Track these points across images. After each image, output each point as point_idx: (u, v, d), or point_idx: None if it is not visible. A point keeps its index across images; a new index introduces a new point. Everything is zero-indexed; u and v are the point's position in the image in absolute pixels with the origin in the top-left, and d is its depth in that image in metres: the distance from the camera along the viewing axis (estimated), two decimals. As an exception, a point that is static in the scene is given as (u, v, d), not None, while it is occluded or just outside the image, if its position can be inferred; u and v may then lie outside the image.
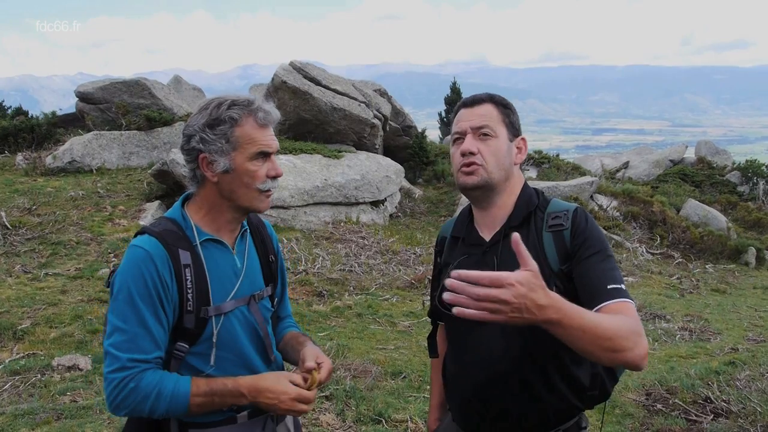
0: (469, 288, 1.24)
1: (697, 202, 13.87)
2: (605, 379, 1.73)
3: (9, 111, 17.09)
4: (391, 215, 11.72)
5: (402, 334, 6.24)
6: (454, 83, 26.58)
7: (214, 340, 1.62)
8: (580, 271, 1.62)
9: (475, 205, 1.85)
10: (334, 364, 4.89)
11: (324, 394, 4.41)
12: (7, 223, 8.27)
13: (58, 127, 13.77)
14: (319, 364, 1.66)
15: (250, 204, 1.66)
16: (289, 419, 1.81)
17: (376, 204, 11.35)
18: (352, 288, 7.54)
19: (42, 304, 6.16)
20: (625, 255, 10.64)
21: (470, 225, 1.86)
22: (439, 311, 1.87)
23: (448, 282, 1.26)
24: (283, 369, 1.83)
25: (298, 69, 12.72)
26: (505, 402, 1.71)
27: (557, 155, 19.28)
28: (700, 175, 18.71)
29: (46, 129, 13.29)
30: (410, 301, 7.38)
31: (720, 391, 4.55)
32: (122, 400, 1.49)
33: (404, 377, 4.92)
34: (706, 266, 10.99)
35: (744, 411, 4.15)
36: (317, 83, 12.63)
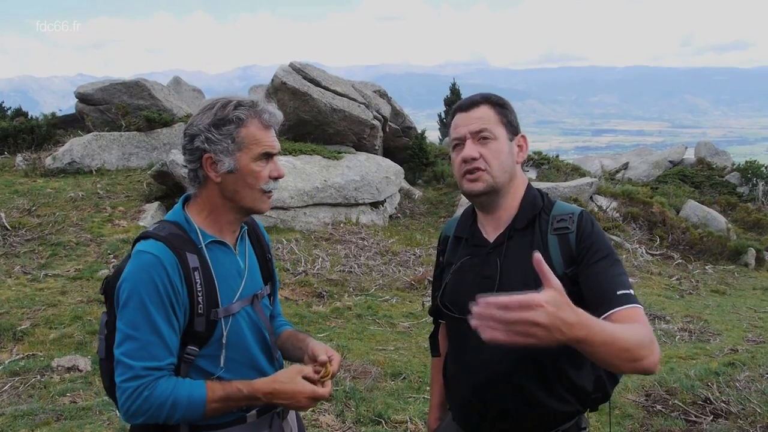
0: (499, 314, 1.21)
1: (696, 203, 13.87)
2: (606, 382, 1.73)
3: (9, 112, 17.10)
4: (390, 216, 11.72)
5: (402, 335, 6.24)
6: (454, 84, 26.59)
7: (224, 342, 1.62)
8: (588, 276, 1.61)
9: (480, 210, 1.83)
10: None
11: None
12: (6, 224, 8.27)
13: (57, 128, 13.78)
14: (330, 357, 1.69)
15: (252, 204, 1.67)
16: (291, 414, 1.82)
17: (375, 205, 11.35)
18: (351, 289, 7.53)
19: (41, 305, 6.16)
20: (624, 256, 10.64)
21: (473, 225, 1.85)
22: (441, 311, 1.87)
23: (476, 310, 1.24)
24: (283, 368, 1.84)
25: (298, 70, 12.72)
26: (505, 403, 1.70)
27: (557, 156, 19.29)
28: (699, 176, 18.71)
29: (45, 130, 13.29)
30: (410, 302, 7.38)
31: (719, 392, 4.55)
32: (137, 408, 1.49)
33: (404, 378, 4.92)
34: (706, 267, 11.00)
35: (743, 412, 4.15)
36: (317, 84, 12.63)
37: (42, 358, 5.07)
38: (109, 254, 7.70)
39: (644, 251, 11.21)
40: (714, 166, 19.95)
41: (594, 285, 1.60)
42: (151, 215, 9.21)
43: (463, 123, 1.75)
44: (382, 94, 14.83)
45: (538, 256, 1.26)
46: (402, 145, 15.11)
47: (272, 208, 9.59)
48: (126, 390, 1.49)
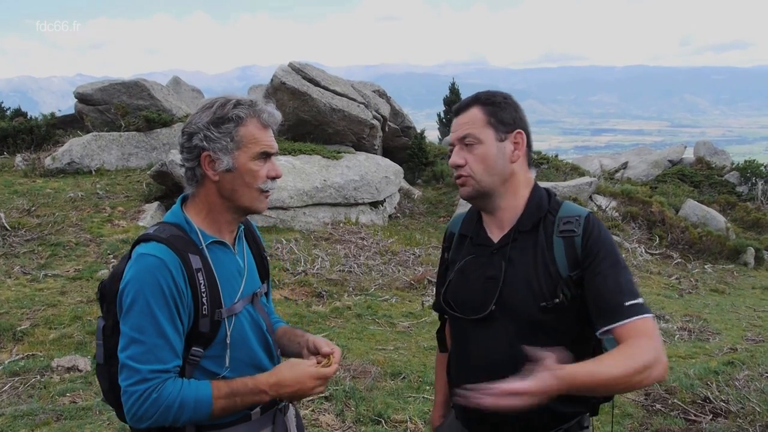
0: (487, 399, 1.37)
1: (695, 202, 13.88)
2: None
3: (8, 112, 17.08)
4: (390, 216, 11.72)
5: (401, 334, 6.24)
6: (453, 84, 26.58)
7: (228, 342, 1.62)
8: (595, 283, 1.60)
9: (481, 211, 1.83)
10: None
11: (323, 394, 4.41)
12: (6, 225, 8.27)
13: (57, 129, 13.77)
14: (331, 350, 1.73)
15: (250, 204, 1.67)
16: (290, 411, 1.83)
17: (375, 205, 11.35)
18: (351, 289, 7.54)
19: (41, 305, 6.16)
20: (624, 255, 10.61)
21: (479, 224, 1.84)
22: (444, 308, 1.87)
23: (469, 394, 1.39)
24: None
25: (297, 70, 12.72)
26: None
27: (556, 156, 19.30)
28: (698, 176, 18.72)
29: (45, 130, 13.28)
30: (409, 301, 7.38)
31: (719, 391, 4.56)
32: (144, 411, 1.48)
33: (403, 378, 4.92)
34: (705, 266, 11.01)
35: (743, 411, 4.16)
36: (316, 84, 12.63)
37: (42, 359, 5.07)
38: (109, 254, 7.70)
39: (643, 250, 11.22)
40: (713, 165, 19.96)
41: (600, 293, 1.59)
42: (150, 215, 9.21)
43: (454, 128, 1.77)
44: (382, 94, 14.83)
45: (529, 351, 1.39)
46: (401, 145, 15.11)
47: (272, 208, 9.60)
48: (133, 394, 1.48)
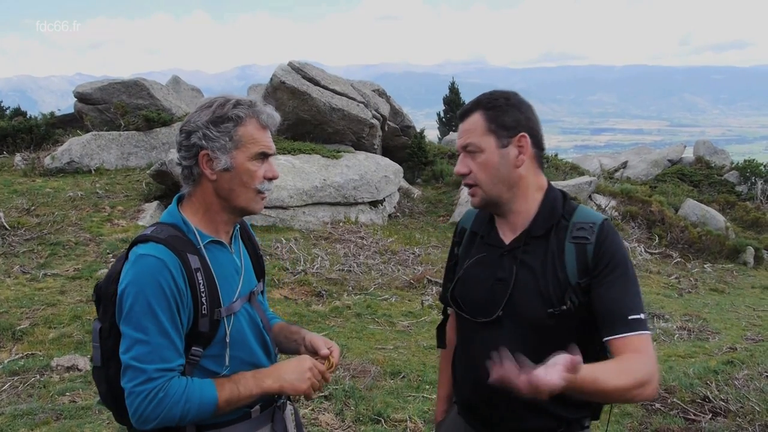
0: (511, 376, 1.32)
1: (695, 201, 13.88)
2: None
3: (7, 112, 17.08)
4: (389, 215, 11.72)
5: (401, 334, 6.24)
6: (453, 83, 26.59)
7: (228, 341, 1.63)
8: (602, 293, 1.60)
9: (494, 214, 1.82)
10: (333, 364, 4.90)
11: (323, 393, 4.41)
12: (5, 224, 8.26)
13: (56, 128, 13.76)
14: (330, 348, 1.75)
15: (246, 204, 1.67)
16: (288, 409, 1.84)
17: (374, 204, 11.35)
18: (350, 288, 7.54)
19: (41, 304, 6.16)
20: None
21: (491, 223, 1.82)
22: (451, 305, 1.88)
23: (496, 368, 1.35)
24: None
25: (297, 69, 12.71)
26: (509, 405, 1.71)
27: (556, 155, 19.32)
28: (698, 175, 18.72)
29: (44, 129, 13.27)
30: (409, 301, 7.38)
31: (718, 391, 4.56)
32: (151, 412, 1.47)
33: (403, 377, 4.92)
34: (705, 266, 11.01)
35: (742, 410, 4.16)
36: (316, 83, 12.63)
37: (41, 358, 5.07)
38: (108, 254, 7.70)
39: (643, 250, 11.23)
40: (713, 164, 19.96)
41: (605, 303, 1.59)
42: (150, 215, 9.20)
43: (458, 135, 1.76)
44: (381, 93, 14.82)
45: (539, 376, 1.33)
46: (401, 144, 15.11)
47: (271, 207, 9.60)
48: (140, 394, 1.47)
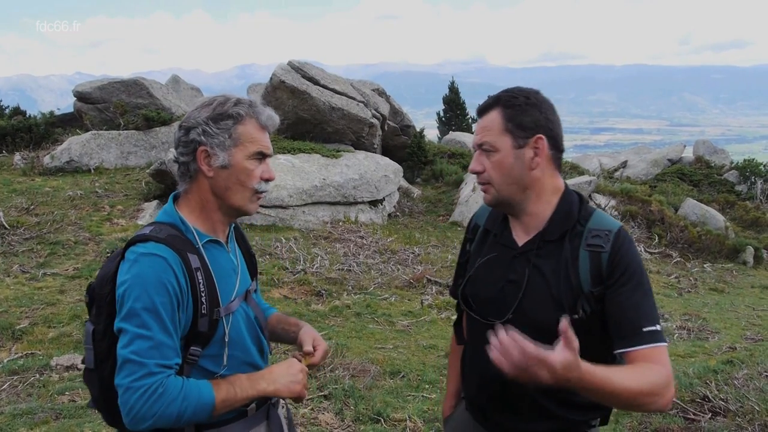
0: (516, 354, 1.29)
1: (695, 201, 13.88)
2: None
3: (7, 111, 17.06)
4: (389, 215, 11.72)
5: (400, 333, 6.24)
6: (453, 83, 26.59)
7: (227, 340, 1.62)
8: (616, 304, 1.57)
9: (507, 214, 1.79)
10: (333, 364, 4.89)
11: (323, 393, 4.41)
12: (5, 223, 8.26)
13: (56, 127, 13.76)
14: (315, 347, 1.78)
15: (242, 204, 1.67)
16: (281, 406, 1.84)
17: (374, 203, 11.35)
18: (350, 287, 7.53)
19: (40, 303, 6.15)
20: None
21: (504, 222, 1.80)
22: (461, 304, 1.87)
23: (498, 339, 1.32)
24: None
25: (297, 68, 12.71)
26: (516, 407, 1.71)
27: (555, 155, 19.27)
28: (698, 175, 18.72)
29: (44, 129, 13.27)
30: (409, 300, 7.38)
31: (718, 390, 4.56)
32: (148, 409, 1.43)
33: (403, 376, 4.92)
34: (704, 265, 11.01)
35: (742, 410, 4.16)
36: (315, 83, 12.62)
37: (41, 357, 5.07)
38: (108, 253, 7.69)
39: (643, 249, 11.23)
40: (712, 164, 19.96)
41: (620, 314, 1.57)
42: (149, 214, 9.20)
43: (476, 131, 1.73)
44: (381, 93, 14.82)
45: (564, 324, 1.29)
46: (401, 144, 15.10)
47: (271, 207, 9.60)
48: (138, 389, 1.43)
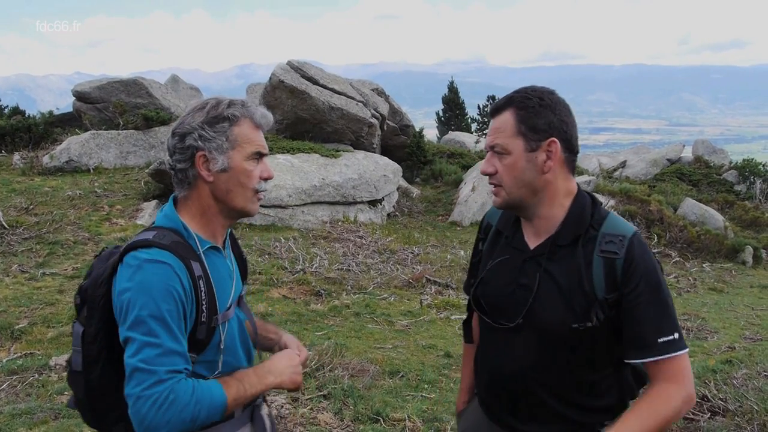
0: None
1: (694, 201, 13.89)
2: (628, 403, 1.72)
3: (6, 110, 17.05)
4: (388, 214, 11.72)
5: (400, 333, 6.24)
6: (452, 83, 26.61)
7: (222, 347, 1.61)
8: (631, 311, 1.55)
9: (519, 216, 1.77)
10: (332, 364, 4.89)
11: (322, 393, 4.41)
12: (4, 223, 8.25)
13: (55, 127, 13.75)
14: (299, 354, 1.80)
15: (243, 205, 1.65)
16: (263, 407, 1.83)
17: (373, 203, 11.35)
18: (349, 287, 7.53)
19: (39, 303, 6.15)
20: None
21: (516, 224, 1.77)
22: (473, 305, 1.86)
23: None
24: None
25: (296, 68, 12.71)
26: (526, 409, 1.72)
27: (555, 154, 19.27)
28: (697, 174, 18.74)
29: (43, 128, 13.26)
30: (408, 300, 7.38)
31: (717, 390, 4.56)
32: (161, 416, 1.38)
33: (402, 376, 4.92)
34: (703, 265, 11.02)
35: (741, 409, 4.16)
36: (315, 82, 12.62)
37: (40, 357, 5.06)
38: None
39: (642, 249, 11.23)
40: (711, 164, 19.97)
41: (635, 325, 1.55)
42: (148, 214, 9.20)
43: (489, 131, 1.71)
44: (380, 93, 14.82)
45: None
46: (400, 144, 15.11)
47: (270, 207, 9.60)
48: (150, 397, 1.38)
